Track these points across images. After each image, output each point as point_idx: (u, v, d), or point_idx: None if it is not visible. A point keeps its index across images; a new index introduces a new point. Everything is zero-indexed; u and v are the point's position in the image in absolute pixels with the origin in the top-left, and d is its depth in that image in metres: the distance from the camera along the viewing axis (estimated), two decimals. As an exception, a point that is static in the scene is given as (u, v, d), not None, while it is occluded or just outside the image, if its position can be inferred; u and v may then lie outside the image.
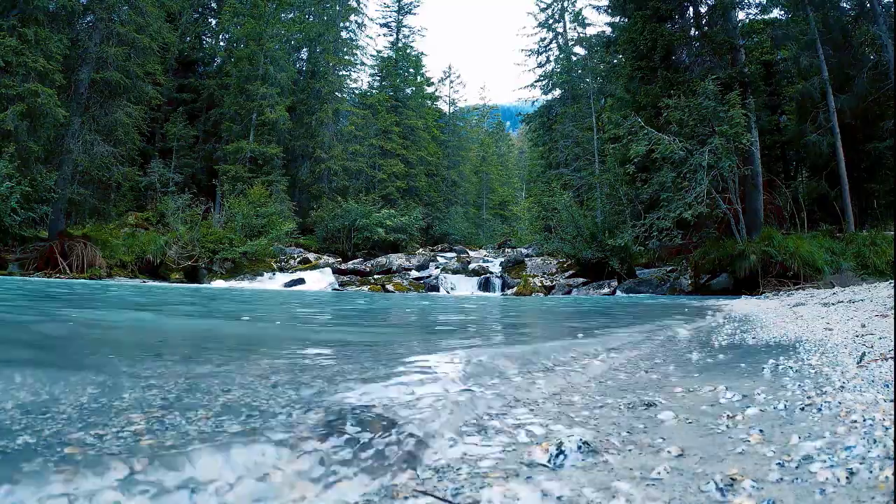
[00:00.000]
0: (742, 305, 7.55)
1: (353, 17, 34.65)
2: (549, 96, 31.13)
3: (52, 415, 1.29)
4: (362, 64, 35.33)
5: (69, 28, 15.79)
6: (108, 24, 16.25)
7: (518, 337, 4.64)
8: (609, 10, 23.20)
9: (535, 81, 31.38)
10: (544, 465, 1.12)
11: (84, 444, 1.08)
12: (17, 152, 13.48)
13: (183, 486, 0.89)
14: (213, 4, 29.51)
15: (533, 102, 31.91)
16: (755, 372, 2.17)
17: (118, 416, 1.31)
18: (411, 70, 35.51)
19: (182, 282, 15.13)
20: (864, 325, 3.38)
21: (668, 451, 1.18)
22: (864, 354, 2.21)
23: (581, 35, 29.43)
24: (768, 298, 9.13)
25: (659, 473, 1.04)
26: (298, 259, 19.80)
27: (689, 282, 13.73)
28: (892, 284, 7.50)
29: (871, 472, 0.92)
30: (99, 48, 15.97)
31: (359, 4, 35.19)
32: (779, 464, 1.01)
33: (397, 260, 19.37)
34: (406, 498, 0.97)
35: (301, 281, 16.19)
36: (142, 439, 1.12)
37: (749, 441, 1.21)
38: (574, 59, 29.65)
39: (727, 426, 1.35)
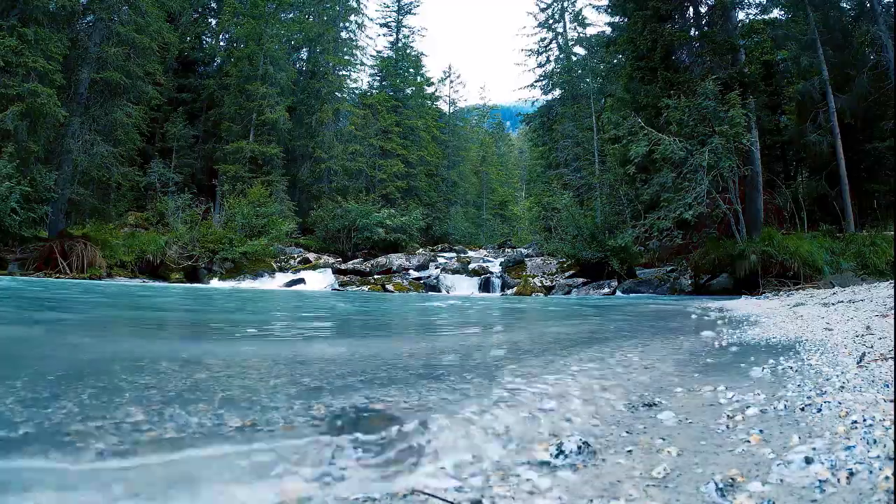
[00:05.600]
0: (742, 305, 7.55)
1: (352, 17, 34.62)
2: (549, 96, 31.12)
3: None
4: (362, 64, 35.33)
5: (69, 28, 15.75)
6: (108, 24, 16.22)
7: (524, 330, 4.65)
8: (609, 10, 23.15)
9: (535, 81, 31.38)
10: (545, 465, 1.12)
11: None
12: (16, 152, 13.46)
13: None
14: (213, 4, 29.48)
15: (533, 102, 31.89)
16: (755, 372, 2.17)
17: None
18: (411, 70, 35.49)
19: (182, 282, 15.12)
20: (864, 326, 3.38)
21: (668, 452, 1.18)
22: (864, 354, 2.21)
23: (581, 35, 29.45)
24: (768, 298, 9.12)
25: (658, 474, 1.04)
26: (298, 259, 19.77)
27: (689, 282, 13.70)
28: (892, 284, 7.50)
29: (871, 472, 0.92)
30: (99, 48, 15.94)
31: (359, 4, 35.14)
32: (779, 464, 1.01)
33: (397, 260, 19.32)
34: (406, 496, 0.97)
35: (301, 281, 16.19)
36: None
37: (749, 441, 1.21)
38: (574, 59, 29.63)
39: (727, 426, 1.35)
